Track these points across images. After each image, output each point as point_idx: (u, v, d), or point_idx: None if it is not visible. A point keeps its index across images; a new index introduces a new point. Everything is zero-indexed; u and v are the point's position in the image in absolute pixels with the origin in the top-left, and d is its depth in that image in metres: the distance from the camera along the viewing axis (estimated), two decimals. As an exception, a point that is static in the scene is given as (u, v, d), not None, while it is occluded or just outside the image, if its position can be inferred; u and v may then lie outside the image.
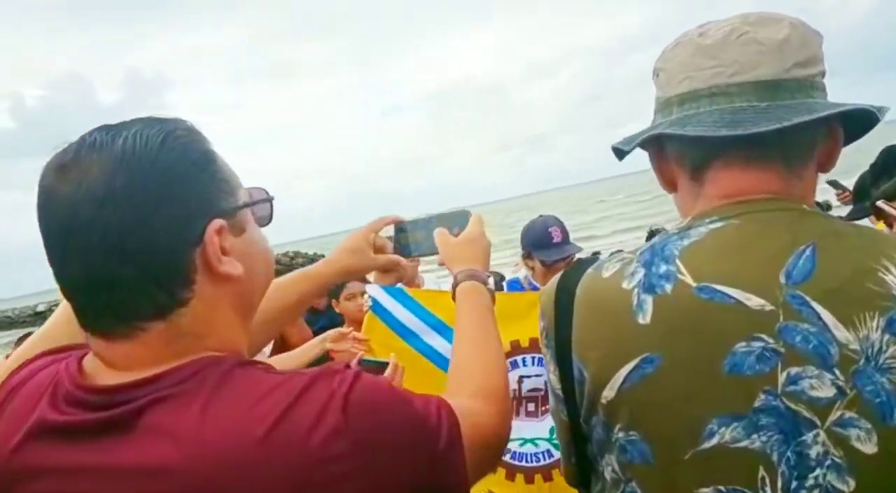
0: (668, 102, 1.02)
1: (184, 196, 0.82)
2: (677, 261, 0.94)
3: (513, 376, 2.89)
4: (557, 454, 2.93)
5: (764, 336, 0.87)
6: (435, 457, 0.85)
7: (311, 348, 2.80)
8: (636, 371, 0.93)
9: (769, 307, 0.87)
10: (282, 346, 3.25)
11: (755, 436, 0.87)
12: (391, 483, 0.81)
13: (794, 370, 0.86)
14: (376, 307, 2.93)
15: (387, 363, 1.75)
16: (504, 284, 3.45)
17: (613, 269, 1.01)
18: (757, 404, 0.87)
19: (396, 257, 1.41)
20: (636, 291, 0.95)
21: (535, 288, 3.16)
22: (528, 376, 2.90)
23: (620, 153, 1.10)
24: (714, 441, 0.88)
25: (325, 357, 3.09)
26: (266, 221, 0.97)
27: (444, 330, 2.90)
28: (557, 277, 1.09)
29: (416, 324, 2.90)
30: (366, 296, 2.96)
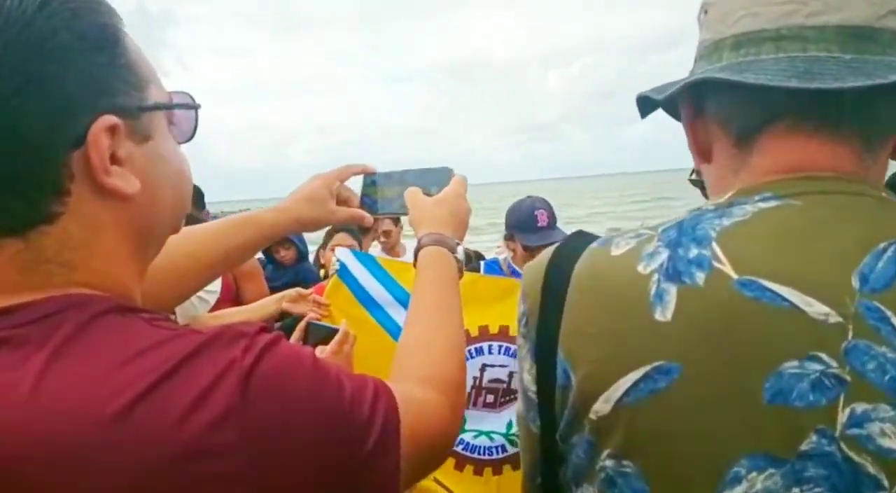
0: (718, 44, 0.79)
1: (63, 78, 0.62)
2: (713, 244, 0.72)
3: (475, 362, 2.76)
4: (512, 450, 2.82)
5: (824, 356, 0.66)
6: (356, 460, 0.68)
7: (266, 305, 2.64)
8: (644, 383, 0.71)
9: (835, 318, 0.66)
10: (235, 301, 3.08)
11: (796, 490, 0.66)
12: (288, 488, 0.63)
13: (860, 407, 0.65)
14: (343, 273, 2.77)
15: (336, 330, 1.56)
16: (481, 264, 3.29)
17: (626, 246, 0.78)
18: (804, 447, 0.65)
19: (361, 212, 1.23)
20: (655, 277, 0.73)
21: (514, 272, 3.00)
22: (492, 366, 2.76)
23: (646, 106, 0.88)
24: (739, 490, 0.67)
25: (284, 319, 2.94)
26: (186, 136, 0.78)
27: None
28: (549, 250, 0.87)
29: (383, 296, 2.75)
30: (333, 259, 2.80)
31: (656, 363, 0.70)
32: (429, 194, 1.16)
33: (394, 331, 2.75)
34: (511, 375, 2.80)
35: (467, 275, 2.95)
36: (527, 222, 2.90)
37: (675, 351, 0.70)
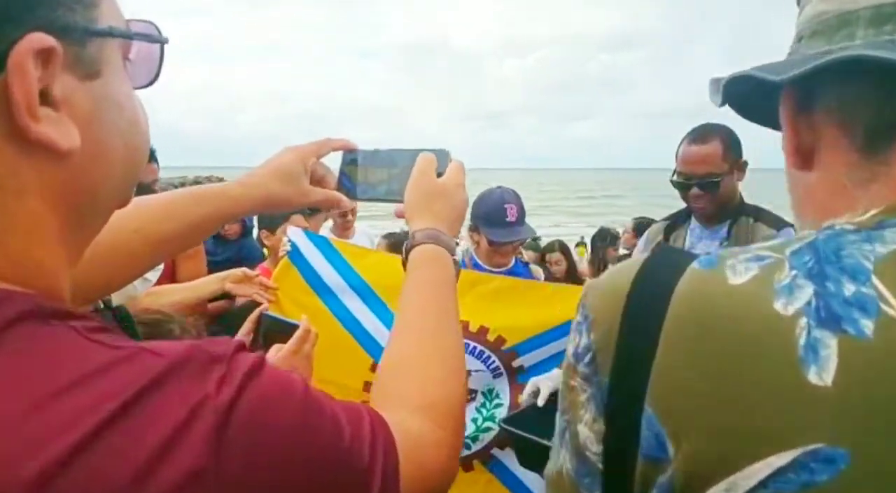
0: (848, 17, 0.61)
1: None
2: (874, 280, 0.53)
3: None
4: (464, 452, 2.64)
5: None
6: None
7: (208, 283, 2.38)
8: (794, 473, 0.51)
9: None
10: (171, 278, 2.79)
11: None
12: None
13: None
14: (294, 255, 2.53)
15: (295, 326, 1.32)
16: None
17: (748, 272, 0.58)
18: None
19: (338, 195, 1.03)
20: (803, 321, 0.53)
21: (477, 266, 2.82)
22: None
23: (729, 95, 0.68)
24: None
25: (224, 298, 2.68)
26: (148, 78, 0.60)
27: (366, 294, 2.54)
28: (628, 266, 0.65)
29: (336, 281, 2.53)
30: (285, 239, 2.55)
31: (813, 446, 0.51)
32: None
33: (346, 319, 2.53)
34: (469, 373, 2.62)
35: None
36: (495, 216, 2.70)
37: (841, 431, 0.50)
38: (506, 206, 2.68)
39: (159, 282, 2.61)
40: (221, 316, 2.83)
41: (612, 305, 0.62)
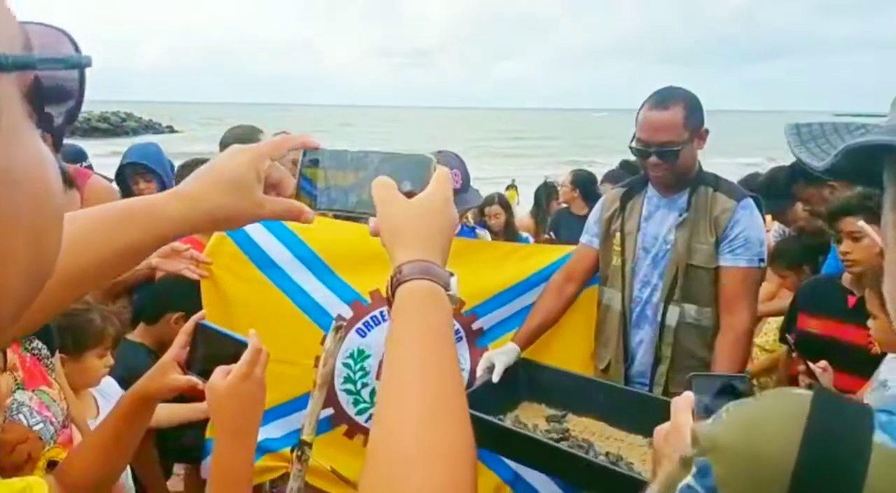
0: None
1: None
2: None
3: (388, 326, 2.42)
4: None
5: None
6: None
7: None
8: None
9: None
10: None
11: None
12: None
13: None
14: (231, 226, 2.29)
15: (240, 343, 1.05)
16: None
17: None
18: None
19: (298, 206, 0.82)
20: None
21: None
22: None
23: (836, 167, 0.54)
24: None
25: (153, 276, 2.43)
26: (65, 117, 0.41)
27: (317, 266, 2.34)
28: (774, 423, 0.49)
29: (281, 253, 2.31)
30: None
31: None
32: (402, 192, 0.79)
33: (294, 294, 2.34)
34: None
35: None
36: None
37: None
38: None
39: None
40: (141, 286, 2.55)
41: (762, 484, 0.46)
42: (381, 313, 2.40)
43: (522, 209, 6.69)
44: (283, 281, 2.31)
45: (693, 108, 2.05)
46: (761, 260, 2.07)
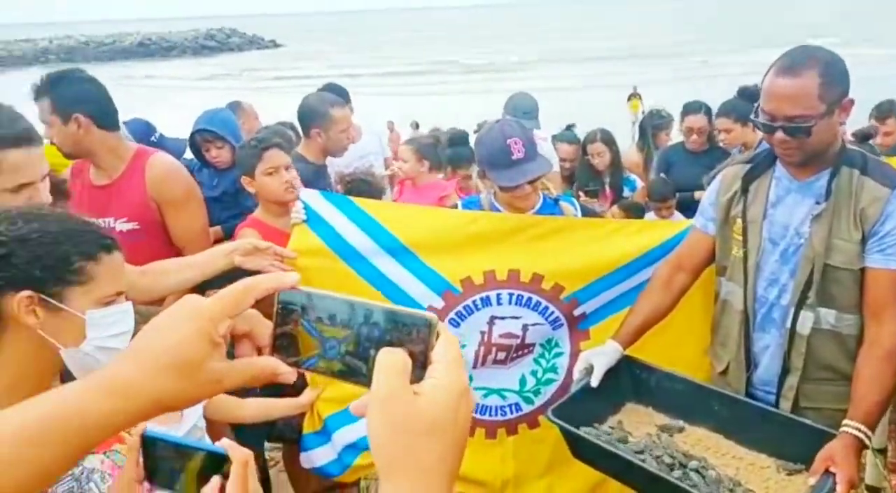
0: None
1: None
2: None
3: (482, 315, 2.29)
4: (526, 408, 2.44)
5: None
6: None
7: (214, 259, 2.05)
8: None
9: None
10: (164, 234, 2.39)
11: None
12: None
13: None
14: (312, 219, 2.19)
15: (217, 454, 0.87)
16: (459, 204, 2.64)
17: None
18: None
19: (274, 364, 0.63)
20: None
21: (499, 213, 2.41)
22: (502, 318, 2.30)
23: None
24: None
25: (235, 273, 2.38)
26: None
27: (399, 252, 2.22)
28: None
29: (363, 242, 2.20)
30: (297, 204, 2.20)
31: None
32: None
33: (380, 283, 2.23)
34: (525, 328, 2.35)
35: (464, 213, 2.38)
36: (498, 156, 2.23)
37: None
38: (509, 142, 2.23)
39: (148, 241, 2.28)
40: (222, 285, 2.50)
41: None
42: (474, 301, 2.26)
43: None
44: (370, 273, 2.21)
45: (833, 73, 1.66)
46: None
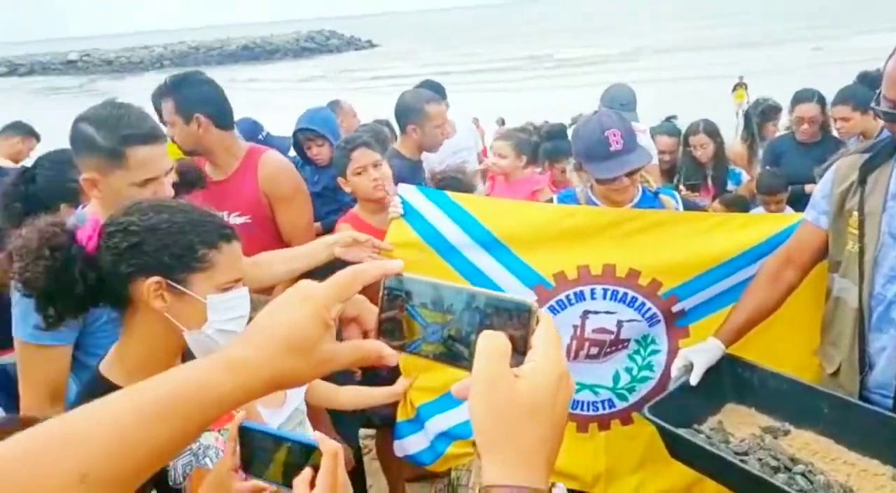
0: None
1: None
2: None
3: (575, 310, 2.27)
4: (620, 405, 2.40)
5: None
6: None
7: (316, 252, 2.15)
8: None
9: None
10: (273, 227, 2.50)
11: None
12: None
13: None
14: (409, 213, 2.24)
15: (308, 447, 0.93)
16: (553, 197, 2.60)
17: None
18: None
19: (379, 347, 0.67)
20: None
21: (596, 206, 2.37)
22: (595, 313, 2.27)
23: None
24: None
25: (335, 264, 2.47)
26: None
27: (494, 247, 2.23)
28: None
29: (458, 236, 2.23)
30: (395, 199, 2.26)
31: None
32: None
33: (475, 278, 2.26)
34: (620, 323, 2.31)
35: (560, 207, 2.36)
36: (596, 148, 2.18)
37: None
38: (606, 133, 2.17)
39: (257, 234, 2.40)
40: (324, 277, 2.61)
41: None
42: (567, 296, 2.25)
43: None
44: (464, 266, 2.24)
45: None
46: None
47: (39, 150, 4.64)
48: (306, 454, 0.93)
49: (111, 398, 0.61)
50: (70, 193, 2.07)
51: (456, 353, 0.64)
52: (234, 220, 2.43)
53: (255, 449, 0.98)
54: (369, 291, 0.68)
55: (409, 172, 2.96)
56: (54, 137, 2.42)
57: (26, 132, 5.09)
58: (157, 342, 1.26)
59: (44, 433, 0.59)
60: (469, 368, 0.60)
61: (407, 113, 3.18)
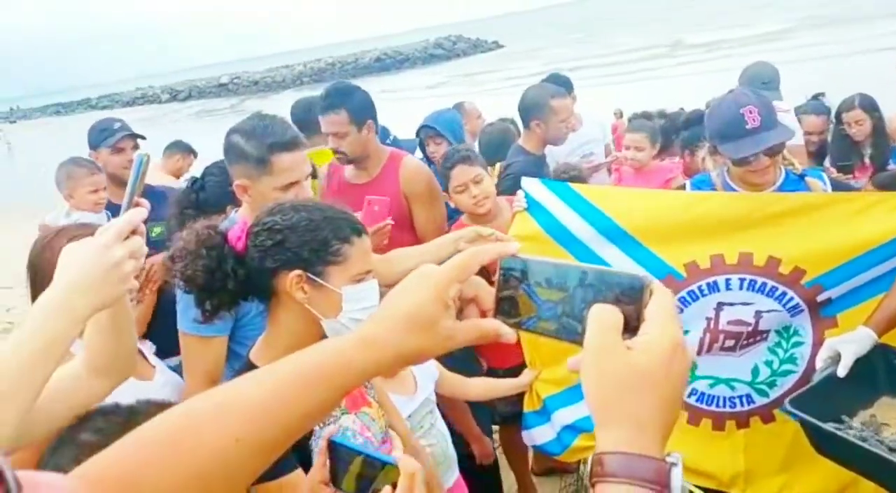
0: None
1: None
2: None
3: (708, 301, 2.18)
4: (760, 401, 2.28)
5: None
6: None
7: (442, 247, 2.23)
8: None
9: None
10: (410, 226, 2.66)
11: None
12: None
13: None
14: (533, 207, 2.26)
15: (384, 463, 0.98)
16: (687, 184, 2.49)
17: None
18: None
19: (496, 326, 0.70)
20: None
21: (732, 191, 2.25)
22: (731, 304, 2.17)
23: None
24: None
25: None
26: None
27: (620, 238, 2.20)
28: None
29: (583, 229, 2.22)
30: (519, 193, 2.28)
31: None
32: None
33: (598, 268, 2.24)
34: (758, 314, 2.19)
35: (690, 194, 2.28)
36: (731, 127, 2.05)
37: None
38: (742, 111, 2.04)
39: (395, 232, 2.51)
40: None
41: None
42: (699, 287, 2.17)
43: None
44: (589, 257, 2.22)
45: None
46: None
47: (197, 166, 5.12)
48: (380, 469, 0.99)
49: (270, 368, 0.71)
50: (234, 196, 2.31)
51: (569, 329, 0.67)
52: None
53: (340, 462, 1.05)
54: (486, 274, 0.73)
55: (533, 167, 2.99)
56: (211, 154, 2.69)
57: (185, 150, 5.63)
58: (299, 331, 1.38)
59: (203, 403, 0.69)
60: (582, 343, 0.63)
61: (531, 109, 3.20)
